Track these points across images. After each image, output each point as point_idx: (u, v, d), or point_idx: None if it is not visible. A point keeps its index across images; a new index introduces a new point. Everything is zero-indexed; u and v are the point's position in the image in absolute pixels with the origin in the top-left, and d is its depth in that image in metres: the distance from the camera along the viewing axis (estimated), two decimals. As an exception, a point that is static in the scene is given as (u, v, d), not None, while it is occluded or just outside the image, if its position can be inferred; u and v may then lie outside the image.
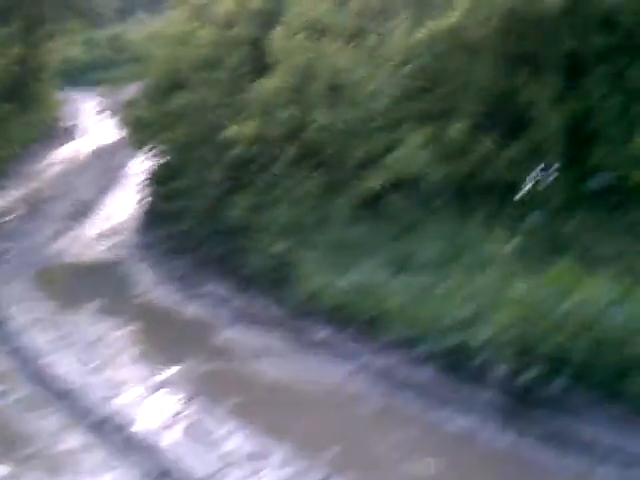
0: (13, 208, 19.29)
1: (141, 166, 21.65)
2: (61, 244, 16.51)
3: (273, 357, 10.19)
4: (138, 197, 18.34)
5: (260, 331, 11.08)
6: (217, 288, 12.71)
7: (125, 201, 19.51)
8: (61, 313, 12.02)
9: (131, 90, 22.52)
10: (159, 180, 16.76)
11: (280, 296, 11.47)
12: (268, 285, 11.87)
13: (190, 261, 13.88)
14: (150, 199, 17.12)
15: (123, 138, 25.33)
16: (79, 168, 23.42)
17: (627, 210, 9.57)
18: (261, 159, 13.27)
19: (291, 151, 12.81)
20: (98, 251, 16.10)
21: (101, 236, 17.14)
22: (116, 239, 16.80)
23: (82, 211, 18.99)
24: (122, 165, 23.06)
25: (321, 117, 12.64)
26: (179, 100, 16.24)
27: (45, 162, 24.42)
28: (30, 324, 11.42)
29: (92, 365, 10.00)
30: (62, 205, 19.47)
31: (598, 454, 6.84)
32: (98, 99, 31.67)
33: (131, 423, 8.39)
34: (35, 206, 19.45)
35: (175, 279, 13.54)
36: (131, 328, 11.46)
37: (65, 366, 9.97)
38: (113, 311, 12.23)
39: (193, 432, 8.16)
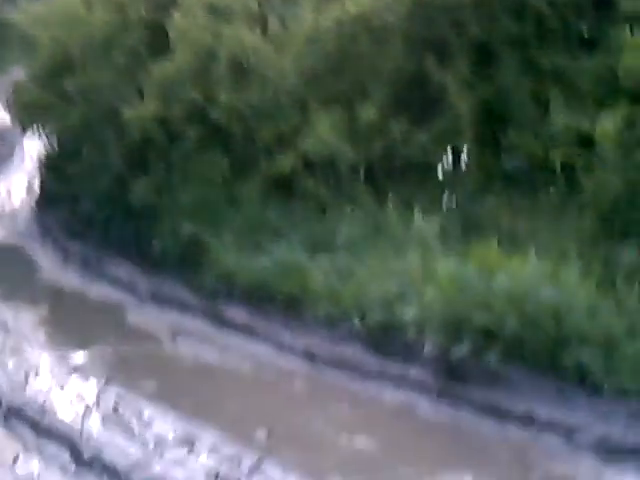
0: None
1: (34, 149, 21.03)
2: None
3: (191, 339, 9.93)
4: (32, 181, 17.68)
5: (173, 313, 10.78)
6: (123, 271, 12.28)
7: (19, 185, 18.77)
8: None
9: (18, 74, 21.69)
10: (54, 163, 16.18)
11: (190, 278, 11.16)
12: (177, 267, 11.54)
13: (92, 244, 13.41)
14: (45, 182, 16.51)
15: (12, 122, 24.64)
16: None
17: (541, 190, 9.67)
18: (163, 141, 12.94)
19: (195, 132, 12.51)
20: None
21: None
22: (12, 223, 16.12)
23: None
24: (13, 149, 22.21)
25: (225, 98, 12.38)
26: (71, 82, 15.72)
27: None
28: None
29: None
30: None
31: (535, 426, 6.88)
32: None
33: (44, 413, 7.98)
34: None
35: (78, 262, 13.04)
36: (37, 312, 11.00)
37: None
38: (16, 296, 11.73)
39: (112, 420, 7.77)
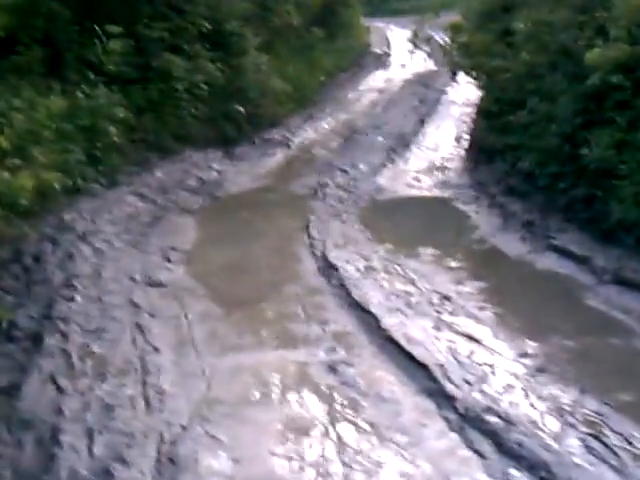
0: (324, 141, 17.72)
1: (462, 96, 19.58)
2: (380, 181, 14.64)
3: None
4: (462, 130, 16.21)
5: (640, 298, 8.65)
6: (572, 241, 10.28)
7: (447, 134, 17.40)
8: (394, 260, 10.08)
9: (442, 20, 20.37)
10: (488, 112, 14.54)
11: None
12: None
13: (533, 206, 11.55)
14: (479, 132, 14.93)
15: (438, 68, 23.49)
16: (392, 97, 21.53)
17: None
18: (627, 90, 10.64)
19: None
20: (423, 189, 14.07)
21: (424, 172, 15.10)
22: (441, 176, 14.71)
23: (399, 144, 17.06)
24: (440, 95, 20.97)
25: None
26: (514, 22, 13.91)
27: (355, 91, 22.78)
28: (362, 275, 9.55)
29: (441, 335, 8.00)
30: (376, 138, 17.66)
31: None
32: (404, 28, 29.74)
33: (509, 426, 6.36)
34: (348, 138, 17.76)
35: (518, 226, 11.22)
36: (479, 284, 9.40)
37: (413, 332, 8.04)
38: (453, 260, 10.26)
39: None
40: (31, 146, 11.11)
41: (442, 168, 15.24)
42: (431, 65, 25.15)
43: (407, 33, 30.14)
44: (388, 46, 28.81)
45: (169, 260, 10.16)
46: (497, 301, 8.89)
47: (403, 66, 25.53)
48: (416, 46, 27.52)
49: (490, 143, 13.95)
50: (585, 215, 10.51)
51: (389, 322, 8.16)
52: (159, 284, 9.28)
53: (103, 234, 10.68)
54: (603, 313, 8.55)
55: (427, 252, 10.49)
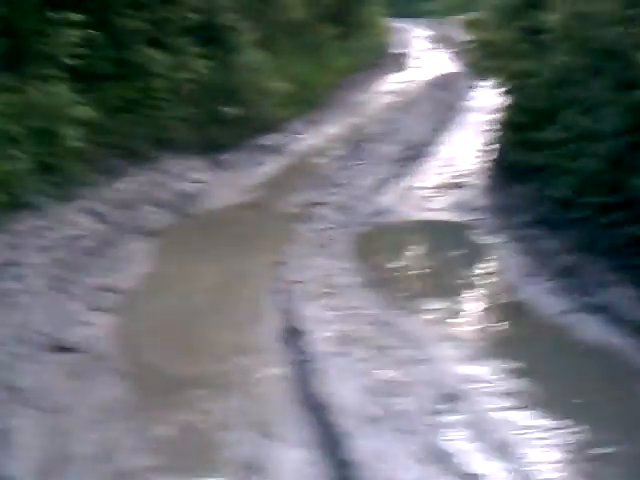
0: (326, 149, 14.92)
1: (486, 103, 16.70)
2: (387, 198, 11.88)
3: None
4: (483, 143, 13.35)
5: None
6: (619, 297, 7.47)
7: (466, 146, 14.49)
8: (386, 321, 7.26)
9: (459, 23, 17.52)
10: (515, 123, 11.71)
11: None
12: None
13: (569, 244, 8.74)
14: (500, 147, 12.12)
15: (459, 71, 20.62)
16: (408, 102, 18.60)
17: None
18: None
19: None
20: (435, 211, 11.28)
21: (437, 190, 12.28)
22: (457, 196, 11.86)
23: (412, 155, 14.23)
24: (460, 101, 18.04)
25: None
26: (546, 17, 11.12)
27: (369, 93, 19.91)
28: (336, 349, 6.66)
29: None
30: (388, 147, 14.83)
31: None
32: (426, 29, 26.93)
33: None
34: (356, 146, 14.96)
35: (551, 271, 8.39)
36: (499, 365, 6.56)
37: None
38: (467, 322, 7.48)
39: None
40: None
41: (459, 186, 12.43)
42: (452, 67, 22.27)
43: (429, 34, 27.41)
44: (408, 47, 25.92)
45: (97, 308, 7.43)
46: (524, 401, 5.99)
47: (422, 68, 22.69)
48: (437, 47, 24.78)
49: (515, 160, 11.14)
50: (638, 262, 7.69)
51: (360, 450, 5.16)
52: (67, 349, 6.54)
53: (22, 267, 7.98)
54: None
55: (434, 307, 7.69)
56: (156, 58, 12.72)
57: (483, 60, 13.36)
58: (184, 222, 10.55)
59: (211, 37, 14.27)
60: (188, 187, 11.89)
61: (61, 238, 9.02)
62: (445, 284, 8.34)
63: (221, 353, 6.61)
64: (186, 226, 10.41)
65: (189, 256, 9.14)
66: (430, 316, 7.48)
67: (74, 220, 9.67)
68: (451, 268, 8.97)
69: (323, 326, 6.91)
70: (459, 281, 8.50)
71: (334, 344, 6.57)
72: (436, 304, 7.73)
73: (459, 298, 7.98)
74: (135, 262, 8.89)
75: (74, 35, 11.38)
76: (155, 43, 13.06)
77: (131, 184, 11.31)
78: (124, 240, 9.53)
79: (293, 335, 6.83)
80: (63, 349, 6.50)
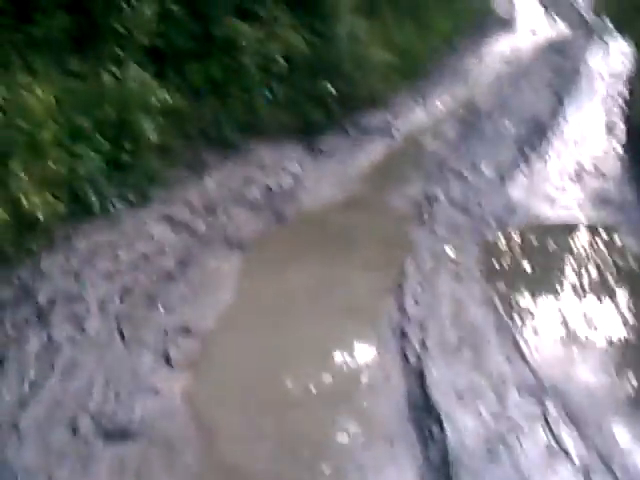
0: (436, 128, 12.87)
1: (609, 66, 14.38)
2: (512, 191, 9.87)
3: None
4: (614, 114, 11.15)
5: None
6: None
7: (594, 119, 12.23)
8: (552, 394, 5.36)
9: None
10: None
11: None
12: None
13: None
14: (637, 120, 9.98)
15: (573, 32, 18.23)
16: (522, 70, 16.29)
17: None
18: None
19: None
20: (571, 209, 9.24)
21: (570, 179, 10.21)
22: (595, 185, 9.77)
23: (534, 134, 12.10)
24: (580, 65, 15.68)
25: None
26: None
27: (478, 59, 17.67)
28: (488, 447, 4.78)
29: None
30: (504, 124, 12.71)
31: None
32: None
33: None
34: (467, 125, 12.89)
35: None
36: None
37: None
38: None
39: None
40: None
41: (594, 173, 10.31)
42: (565, 30, 19.81)
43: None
44: (515, 8, 23.45)
45: (168, 361, 5.73)
46: None
47: (533, 31, 20.28)
48: (547, 9, 22.26)
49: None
50: None
51: None
52: (121, 434, 4.84)
53: (81, 303, 6.34)
54: None
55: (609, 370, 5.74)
56: (244, 31, 10.96)
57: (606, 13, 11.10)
58: (278, 229, 8.78)
59: (305, 4, 12.37)
60: (282, 181, 10.10)
61: (133, 258, 7.37)
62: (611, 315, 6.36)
63: (333, 450, 4.79)
64: (281, 235, 8.64)
65: (284, 278, 7.37)
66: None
67: (150, 232, 8.02)
68: (603, 288, 6.98)
69: (463, 404, 5.01)
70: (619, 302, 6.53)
71: (484, 438, 4.67)
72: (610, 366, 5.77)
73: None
74: (219, 286, 7.17)
75: (151, 9, 9.71)
76: (242, 13, 11.27)
77: (217, 181, 9.61)
78: (209, 256, 7.82)
79: (425, 417, 4.97)
80: (116, 435, 4.81)
